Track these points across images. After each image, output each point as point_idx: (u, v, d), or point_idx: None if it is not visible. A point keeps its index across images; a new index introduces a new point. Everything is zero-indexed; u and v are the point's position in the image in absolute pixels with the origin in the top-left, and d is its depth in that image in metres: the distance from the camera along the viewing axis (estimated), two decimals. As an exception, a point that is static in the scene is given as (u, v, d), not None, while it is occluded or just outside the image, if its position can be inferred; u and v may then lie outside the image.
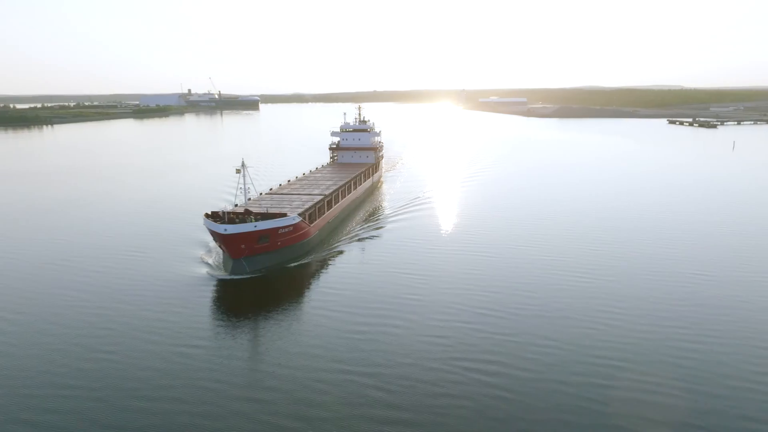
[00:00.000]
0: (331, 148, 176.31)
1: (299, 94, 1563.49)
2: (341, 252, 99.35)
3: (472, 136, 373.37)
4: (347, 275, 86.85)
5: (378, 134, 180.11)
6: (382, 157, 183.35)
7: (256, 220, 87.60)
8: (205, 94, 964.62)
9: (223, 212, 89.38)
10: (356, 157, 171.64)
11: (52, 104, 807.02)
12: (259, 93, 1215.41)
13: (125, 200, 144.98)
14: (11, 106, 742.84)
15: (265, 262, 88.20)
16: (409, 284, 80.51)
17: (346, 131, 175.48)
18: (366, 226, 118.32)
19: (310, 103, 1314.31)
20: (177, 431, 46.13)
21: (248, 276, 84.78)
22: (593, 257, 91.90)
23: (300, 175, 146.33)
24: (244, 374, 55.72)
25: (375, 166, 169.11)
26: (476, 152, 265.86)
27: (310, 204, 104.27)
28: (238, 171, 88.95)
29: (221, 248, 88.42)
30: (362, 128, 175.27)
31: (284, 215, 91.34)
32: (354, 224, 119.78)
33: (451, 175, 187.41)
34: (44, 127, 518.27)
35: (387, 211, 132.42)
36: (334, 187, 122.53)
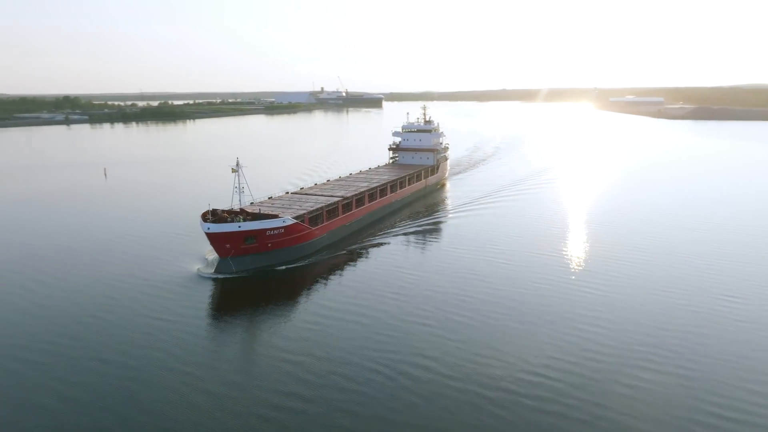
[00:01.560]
0: (390, 149, 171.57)
1: (427, 93, 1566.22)
2: (348, 257, 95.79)
3: (576, 139, 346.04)
4: (341, 283, 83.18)
5: (441, 135, 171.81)
6: (445, 158, 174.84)
7: (245, 220, 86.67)
8: (333, 92, 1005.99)
9: (221, 211, 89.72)
10: (416, 158, 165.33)
11: (202, 101, 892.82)
12: (388, 91, 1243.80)
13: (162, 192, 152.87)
14: (169, 102, 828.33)
15: (254, 263, 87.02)
16: (414, 301, 74.50)
17: (408, 131, 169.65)
18: (394, 230, 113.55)
19: (435, 102, 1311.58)
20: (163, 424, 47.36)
21: (233, 275, 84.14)
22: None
23: (346, 174, 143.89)
24: (216, 367, 56.89)
25: (433, 168, 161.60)
26: (563, 155, 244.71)
27: (320, 206, 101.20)
28: (234, 170, 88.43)
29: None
30: (425, 129, 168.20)
31: (275, 216, 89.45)
32: (383, 228, 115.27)
33: (523, 181, 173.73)
34: (187, 121, 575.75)
35: (427, 216, 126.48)
36: (364, 190, 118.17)
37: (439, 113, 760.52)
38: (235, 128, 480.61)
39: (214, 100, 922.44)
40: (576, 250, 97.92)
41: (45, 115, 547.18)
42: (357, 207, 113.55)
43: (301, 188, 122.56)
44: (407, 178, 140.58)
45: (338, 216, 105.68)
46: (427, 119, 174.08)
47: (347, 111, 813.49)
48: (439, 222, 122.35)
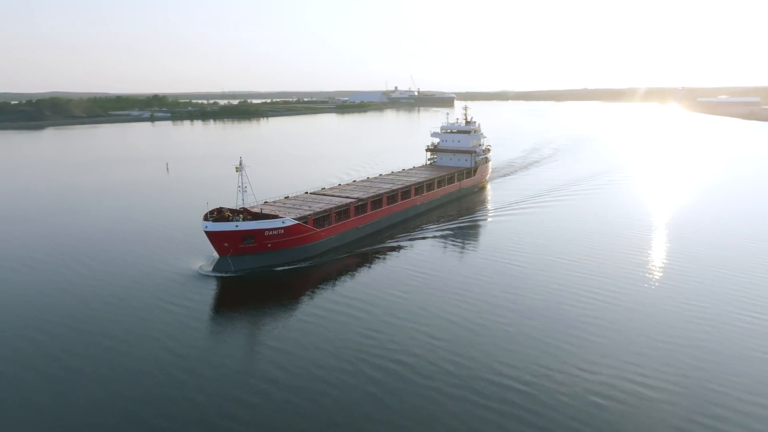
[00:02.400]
0: (427, 149, 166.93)
1: (503, 92, 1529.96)
2: (356, 260, 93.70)
3: (646, 141, 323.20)
4: (342, 285, 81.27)
5: (481, 136, 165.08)
6: (485, 160, 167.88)
7: (246, 220, 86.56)
8: (406, 91, 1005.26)
9: (226, 209, 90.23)
10: (454, 159, 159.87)
11: (279, 100, 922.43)
12: (461, 91, 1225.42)
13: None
14: (248, 101, 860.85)
15: (253, 263, 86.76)
16: (412, 308, 71.69)
17: (446, 132, 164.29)
18: (414, 233, 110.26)
19: (509, 101, 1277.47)
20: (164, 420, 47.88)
21: (231, 274, 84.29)
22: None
23: (375, 175, 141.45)
24: (211, 366, 56.93)
25: (470, 171, 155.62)
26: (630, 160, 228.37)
27: (327, 207, 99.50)
28: (237, 170, 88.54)
29: None
30: (464, 129, 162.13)
31: (275, 217, 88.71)
32: (403, 231, 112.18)
33: (571, 185, 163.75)
34: (261, 119, 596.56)
35: (454, 220, 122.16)
36: (383, 192, 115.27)
37: (509, 113, 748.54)
38: (303, 126, 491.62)
39: (290, 99, 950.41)
40: (613, 260, 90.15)
41: (134, 113, 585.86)
42: (373, 209, 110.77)
43: (323, 188, 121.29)
44: (436, 180, 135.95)
45: (350, 218, 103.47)
46: (468, 120, 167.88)
47: (418, 110, 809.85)
48: (465, 226, 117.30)
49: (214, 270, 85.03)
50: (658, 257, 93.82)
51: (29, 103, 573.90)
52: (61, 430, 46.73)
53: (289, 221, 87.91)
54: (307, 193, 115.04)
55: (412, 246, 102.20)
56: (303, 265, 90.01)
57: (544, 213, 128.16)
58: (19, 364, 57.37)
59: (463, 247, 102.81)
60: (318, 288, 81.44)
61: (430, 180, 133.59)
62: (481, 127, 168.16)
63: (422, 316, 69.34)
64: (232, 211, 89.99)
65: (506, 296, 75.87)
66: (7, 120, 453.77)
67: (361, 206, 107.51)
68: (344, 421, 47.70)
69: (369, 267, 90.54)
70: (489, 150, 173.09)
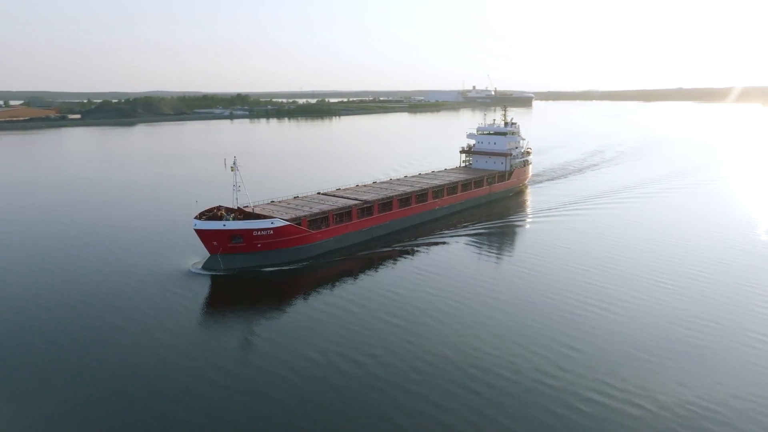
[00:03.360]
0: (461, 151, 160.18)
1: (588, 92, 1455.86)
2: (353, 264, 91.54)
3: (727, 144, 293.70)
4: (328, 289, 79.45)
5: (519, 139, 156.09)
6: (524, 164, 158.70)
7: (236, 219, 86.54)
8: (482, 90, 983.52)
9: (225, 208, 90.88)
10: (490, 162, 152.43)
11: (356, 99, 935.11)
12: (544, 90, 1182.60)
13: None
14: (326, 100, 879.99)
15: (243, 263, 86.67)
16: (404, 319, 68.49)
17: (482, 134, 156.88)
18: (425, 238, 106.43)
19: (594, 101, 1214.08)
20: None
21: (220, 273, 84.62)
22: None
23: (399, 177, 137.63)
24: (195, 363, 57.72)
25: (504, 174, 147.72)
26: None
27: (325, 209, 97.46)
28: (232, 169, 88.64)
29: None
30: (500, 131, 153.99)
31: (265, 217, 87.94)
32: (414, 236, 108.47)
33: (622, 191, 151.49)
34: (333, 118, 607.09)
35: (474, 226, 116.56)
36: (394, 194, 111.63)
37: (588, 113, 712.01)
38: (371, 125, 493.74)
39: (366, 99, 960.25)
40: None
41: (217, 111, 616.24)
42: (381, 212, 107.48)
43: (338, 188, 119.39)
44: (460, 183, 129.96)
45: (352, 220, 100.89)
46: (508, 121, 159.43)
47: (495, 110, 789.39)
48: (483, 233, 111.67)
49: (203, 268, 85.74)
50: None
51: (127, 101, 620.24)
52: (48, 426, 47.40)
53: (279, 222, 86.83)
54: (319, 193, 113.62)
55: (419, 251, 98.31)
56: (294, 266, 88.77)
57: (577, 221, 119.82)
58: (6, 360, 58.86)
59: (469, 255, 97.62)
60: (303, 291, 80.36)
61: (452, 183, 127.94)
62: (521, 128, 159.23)
63: (409, 322, 67.62)
64: (227, 210, 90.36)
65: (504, 315, 70.52)
66: (103, 117, 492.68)
67: (366, 209, 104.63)
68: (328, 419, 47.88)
69: (365, 271, 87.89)
70: (529, 153, 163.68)
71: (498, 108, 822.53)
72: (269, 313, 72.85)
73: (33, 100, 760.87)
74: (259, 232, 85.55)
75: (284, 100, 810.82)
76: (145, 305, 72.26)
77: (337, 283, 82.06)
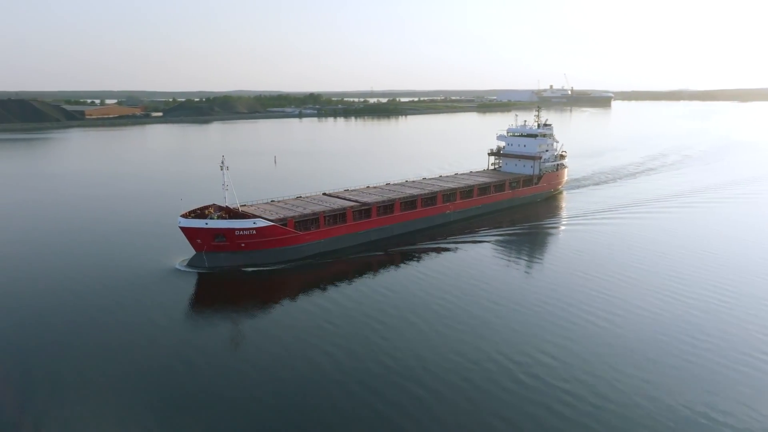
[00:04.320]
0: (489, 153, 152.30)
1: (677, 91, 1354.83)
2: (341, 268, 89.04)
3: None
4: (308, 293, 77.36)
5: (551, 142, 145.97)
6: (557, 167, 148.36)
7: (220, 218, 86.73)
8: (558, 90, 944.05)
9: (216, 207, 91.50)
10: (519, 166, 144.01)
11: (426, 98, 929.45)
12: (627, 89, 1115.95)
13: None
14: (397, 99, 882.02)
15: (228, 261, 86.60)
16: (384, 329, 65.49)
17: (512, 135, 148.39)
18: (429, 243, 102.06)
19: (683, 102, 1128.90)
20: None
21: (204, 270, 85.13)
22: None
23: (417, 179, 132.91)
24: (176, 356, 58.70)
25: (532, 179, 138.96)
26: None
27: (316, 210, 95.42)
28: (221, 168, 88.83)
29: None
30: (530, 133, 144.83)
31: (250, 217, 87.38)
32: (418, 239, 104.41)
33: (672, 198, 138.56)
34: (399, 117, 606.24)
35: (488, 232, 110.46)
36: (397, 197, 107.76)
37: (670, 114, 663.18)
38: (436, 125, 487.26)
39: (437, 98, 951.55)
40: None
41: (288, 110, 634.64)
42: (381, 215, 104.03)
43: (346, 189, 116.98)
44: (477, 187, 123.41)
45: (346, 222, 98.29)
46: (543, 122, 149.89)
47: (570, 110, 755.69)
48: (495, 240, 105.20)
49: (188, 265, 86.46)
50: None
51: (208, 100, 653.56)
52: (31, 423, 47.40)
53: (262, 222, 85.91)
54: (324, 194, 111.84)
55: (417, 256, 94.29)
56: (277, 267, 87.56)
57: (601, 230, 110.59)
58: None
59: (470, 262, 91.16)
60: (285, 292, 79.11)
61: (467, 187, 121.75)
62: (554, 130, 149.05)
63: (385, 324, 65.87)
64: (218, 208, 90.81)
65: (492, 324, 65.96)
66: (182, 114, 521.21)
67: (364, 211, 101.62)
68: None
69: (354, 275, 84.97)
70: (564, 156, 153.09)
71: (574, 108, 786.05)
72: (247, 312, 72.09)
73: (129, 99, 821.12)
74: (241, 232, 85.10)
75: (356, 100, 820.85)
76: (126, 300, 73.65)
77: (322, 286, 79.91)
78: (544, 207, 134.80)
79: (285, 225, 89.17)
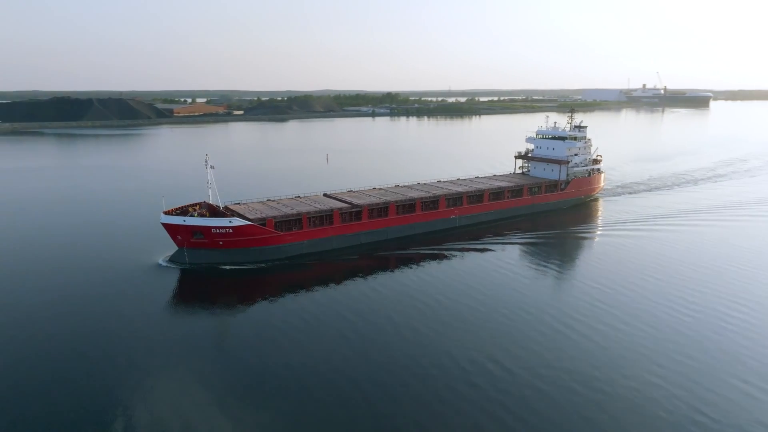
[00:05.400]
0: (517, 157, 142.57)
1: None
2: (322, 270, 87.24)
3: None
4: (279, 294, 76.73)
5: (581, 145, 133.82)
6: (588, 173, 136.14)
7: (200, 216, 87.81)
8: (649, 89, 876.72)
9: (204, 204, 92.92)
10: (548, 170, 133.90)
11: (506, 98, 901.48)
12: (734, 89, 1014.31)
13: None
14: (476, 99, 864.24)
15: (207, 258, 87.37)
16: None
17: (541, 138, 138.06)
18: (425, 249, 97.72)
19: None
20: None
21: (185, 266, 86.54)
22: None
23: (432, 181, 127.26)
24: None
25: (558, 184, 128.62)
26: None
27: (300, 211, 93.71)
28: (212, 167, 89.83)
29: None
30: (558, 135, 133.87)
31: (226, 216, 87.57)
32: (414, 245, 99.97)
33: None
34: (473, 117, 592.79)
35: (495, 239, 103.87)
36: (392, 200, 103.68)
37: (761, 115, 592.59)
38: (507, 125, 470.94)
39: (517, 98, 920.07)
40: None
41: (363, 109, 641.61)
42: (374, 217, 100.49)
43: (349, 190, 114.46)
44: (488, 192, 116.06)
45: (333, 224, 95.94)
46: (576, 124, 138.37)
47: (662, 111, 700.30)
48: (500, 247, 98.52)
49: (170, 261, 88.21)
50: None
51: (289, 99, 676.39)
52: (12, 418, 47.68)
53: (238, 221, 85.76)
54: (325, 194, 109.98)
55: (408, 261, 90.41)
56: (253, 266, 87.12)
57: (629, 241, 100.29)
58: None
59: (464, 270, 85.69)
60: (262, 291, 78.64)
61: (477, 191, 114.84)
62: (589, 132, 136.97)
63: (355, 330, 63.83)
64: (205, 206, 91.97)
65: (475, 334, 61.75)
66: (261, 113, 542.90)
67: (354, 213, 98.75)
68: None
69: (335, 278, 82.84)
70: (598, 161, 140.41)
71: (666, 109, 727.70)
72: (216, 309, 72.65)
73: (222, 98, 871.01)
74: (217, 230, 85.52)
75: (433, 99, 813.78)
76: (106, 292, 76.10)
77: (298, 287, 79.29)
78: (569, 215, 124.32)
79: (264, 225, 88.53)
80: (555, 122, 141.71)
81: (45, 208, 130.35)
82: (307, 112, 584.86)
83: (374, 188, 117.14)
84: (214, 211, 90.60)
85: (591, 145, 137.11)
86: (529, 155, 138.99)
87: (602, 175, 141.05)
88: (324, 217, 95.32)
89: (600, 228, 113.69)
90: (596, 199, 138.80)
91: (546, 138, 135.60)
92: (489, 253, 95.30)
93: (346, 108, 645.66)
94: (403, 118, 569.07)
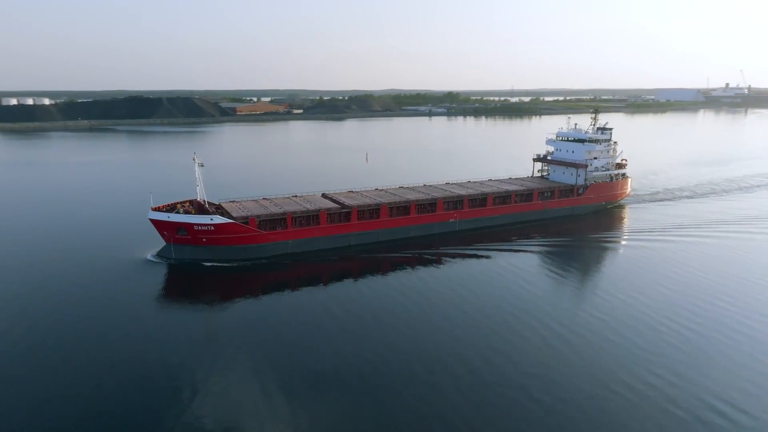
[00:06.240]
0: (535, 159, 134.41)
1: None
2: (306, 270, 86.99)
3: None
4: (254, 294, 77.21)
5: (604, 149, 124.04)
6: (611, 178, 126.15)
7: (186, 213, 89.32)
8: (731, 88, 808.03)
9: (196, 202, 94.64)
10: (567, 174, 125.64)
11: (573, 98, 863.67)
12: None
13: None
14: (541, 98, 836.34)
15: (191, 254, 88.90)
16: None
17: (561, 140, 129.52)
18: (414, 252, 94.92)
19: None
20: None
21: (171, 261, 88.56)
22: None
23: (440, 183, 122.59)
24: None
25: (575, 190, 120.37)
26: None
27: (285, 211, 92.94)
28: (201, 165, 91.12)
29: None
30: (578, 137, 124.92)
31: (209, 214, 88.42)
32: (407, 247, 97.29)
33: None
34: (532, 117, 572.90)
35: (495, 244, 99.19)
36: (385, 201, 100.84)
37: None
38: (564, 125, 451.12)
39: (584, 98, 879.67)
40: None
41: (421, 108, 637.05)
42: (362, 219, 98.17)
43: (350, 191, 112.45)
44: (493, 196, 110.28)
45: (319, 225, 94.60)
46: (600, 126, 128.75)
47: (745, 112, 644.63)
48: (498, 253, 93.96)
49: (157, 255, 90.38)
50: None
51: (350, 99, 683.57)
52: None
53: (219, 219, 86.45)
54: (324, 194, 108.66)
55: (396, 265, 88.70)
56: (234, 264, 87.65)
57: (642, 252, 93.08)
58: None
59: (445, 277, 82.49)
60: (237, 289, 79.13)
61: (480, 195, 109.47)
62: (613, 135, 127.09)
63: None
64: (194, 203, 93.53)
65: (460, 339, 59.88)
66: (319, 112, 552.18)
67: (343, 214, 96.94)
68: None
69: (315, 280, 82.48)
70: (623, 165, 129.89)
71: (750, 110, 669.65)
72: (190, 303, 74.10)
73: (289, 97, 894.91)
74: (200, 227, 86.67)
75: (495, 99, 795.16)
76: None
77: (279, 286, 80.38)
78: (583, 222, 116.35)
79: (246, 223, 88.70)
80: (576, 123, 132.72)
81: (107, 197, 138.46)
82: (364, 111, 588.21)
83: (376, 189, 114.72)
84: (201, 209, 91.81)
85: (615, 149, 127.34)
86: (548, 158, 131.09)
87: (628, 180, 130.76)
88: (311, 218, 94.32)
89: (614, 237, 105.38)
90: (620, 206, 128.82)
91: (565, 140, 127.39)
92: (483, 260, 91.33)
93: (404, 107, 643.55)
94: (459, 118, 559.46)
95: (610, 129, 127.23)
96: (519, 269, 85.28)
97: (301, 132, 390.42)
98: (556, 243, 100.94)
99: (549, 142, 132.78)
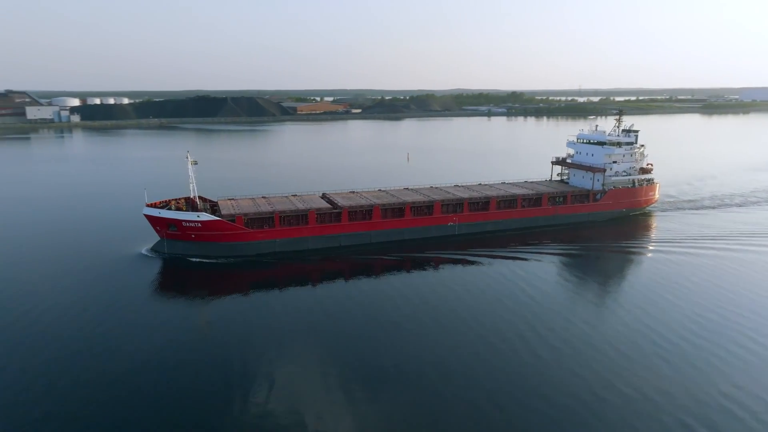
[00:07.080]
0: (554, 162, 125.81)
1: None
2: (290, 270, 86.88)
3: None
4: (235, 291, 77.46)
5: (626, 152, 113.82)
6: (633, 183, 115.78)
7: (177, 209, 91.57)
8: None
9: (192, 198, 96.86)
10: (587, 178, 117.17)
11: (645, 98, 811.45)
12: None
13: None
14: (611, 98, 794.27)
15: (182, 250, 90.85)
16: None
17: (581, 142, 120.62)
18: (405, 255, 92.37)
19: None
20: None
21: (163, 256, 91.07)
22: None
23: (452, 185, 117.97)
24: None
25: (591, 195, 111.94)
26: None
27: (273, 210, 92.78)
28: (194, 163, 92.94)
29: None
30: (598, 140, 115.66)
31: (196, 211, 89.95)
32: (400, 250, 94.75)
33: None
34: (598, 117, 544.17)
35: (494, 249, 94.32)
36: (377, 203, 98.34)
37: None
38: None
39: (658, 97, 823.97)
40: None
41: (481, 108, 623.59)
42: (353, 220, 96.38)
43: (352, 191, 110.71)
44: (496, 199, 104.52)
45: (308, 224, 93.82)
46: (625, 128, 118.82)
47: None
48: (496, 259, 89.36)
49: (151, 250, 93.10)
50: None
51: (410, 98, 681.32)
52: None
53: (206, 217, 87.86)
54: (324, 194, 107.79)
55: (384, 267, 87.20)
56: (220, 261, 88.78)
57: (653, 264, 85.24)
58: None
59: (435, 281, 79.90)
60: (221, 284, 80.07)
61: (483, 198, 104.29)
62: (639, 138, 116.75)
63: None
64: (192, 200, 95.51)
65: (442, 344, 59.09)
66: (377, 112, 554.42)
67: (334, 215, 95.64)
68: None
69: (299, 279, 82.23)
70: (649, 170, 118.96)
71: None
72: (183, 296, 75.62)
73: (354, 97, 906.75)
74: (188, 224, 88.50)
75: (561, 99, 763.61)
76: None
77: (262, 284, 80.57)
78: (599, 229, 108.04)
79: (233, 221, 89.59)
80: (597, 125, 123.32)
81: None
82: (423, 111, 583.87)
83: (379, 190, 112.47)
84: (192, 205, 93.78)
85: (640, 152, 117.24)
86: (568, 161, 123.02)
87: (656, 186, 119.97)
88: (299, 217, 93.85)
89: (626, 246, 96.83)
90: (645, 214, 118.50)
91: (585, 143, 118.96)
92: (478, 265, 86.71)
93: (464, 107, 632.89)
94: (520, 118, 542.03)
95: (636, 131, 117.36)
96: (517, 276, 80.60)
97: (356, 131, 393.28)
98: (561, 251, 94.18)
99: (570, 144, 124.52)
